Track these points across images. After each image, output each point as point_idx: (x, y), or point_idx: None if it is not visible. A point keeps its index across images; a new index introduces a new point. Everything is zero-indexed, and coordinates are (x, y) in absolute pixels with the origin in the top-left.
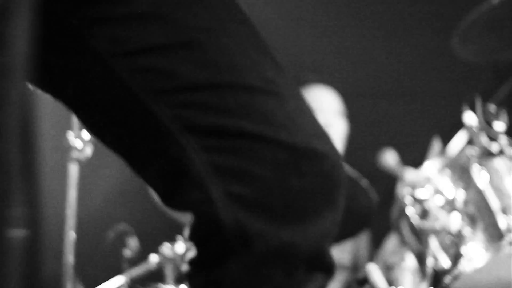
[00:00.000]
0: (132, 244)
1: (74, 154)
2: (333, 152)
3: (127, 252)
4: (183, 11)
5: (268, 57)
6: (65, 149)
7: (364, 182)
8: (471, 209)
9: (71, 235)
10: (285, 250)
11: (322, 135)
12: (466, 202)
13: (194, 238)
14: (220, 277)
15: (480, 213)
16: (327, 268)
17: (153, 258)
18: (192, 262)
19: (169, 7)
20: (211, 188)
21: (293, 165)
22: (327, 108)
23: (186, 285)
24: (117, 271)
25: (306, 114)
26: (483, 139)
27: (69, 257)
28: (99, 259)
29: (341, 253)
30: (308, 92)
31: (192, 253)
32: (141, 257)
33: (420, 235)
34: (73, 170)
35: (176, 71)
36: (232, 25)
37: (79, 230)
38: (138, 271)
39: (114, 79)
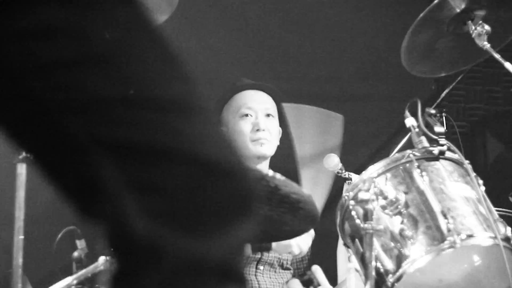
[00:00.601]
0: (81, 245)
1: (23, 155)
2: (243, 167)
3: (76, 254)
4: (94, 25)
5: (180, 72)
6: (14, 149)
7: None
8: (413, 211)
9: (20, 237)
10: (195, 262)
11: (231, 150)
12: (407, 204)
13: (111, 251)
14: None
15: (421, 215)
16: (240, 279)
17: (101, 260)
18: (112, 275)
19: (80, 21)
20: (124, 202)
21: (204, 180)
22: (260, 110)
23: None
24: (66, 272)
25: (216, 129)
26: (424, 142)
27: (19, 259)
28: (48, 261)
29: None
30: (242, 97)
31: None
32: (90, 258)
33: (363, 237)
34: (22, 171)
35: (87, 86)
36: (144, 40)
37: (28, 231)
38: (86, 272)
39: (28, 93)
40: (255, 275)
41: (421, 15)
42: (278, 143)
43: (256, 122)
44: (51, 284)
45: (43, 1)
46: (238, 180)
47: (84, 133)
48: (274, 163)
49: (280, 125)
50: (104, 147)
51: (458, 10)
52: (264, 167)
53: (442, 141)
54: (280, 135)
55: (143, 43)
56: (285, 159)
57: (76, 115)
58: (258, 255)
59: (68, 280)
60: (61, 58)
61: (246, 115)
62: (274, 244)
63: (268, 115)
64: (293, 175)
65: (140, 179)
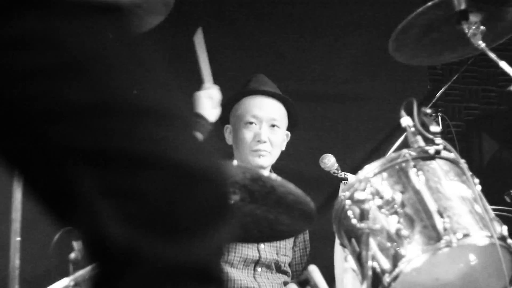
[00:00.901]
0: (77, 247)
1: None
2: (219, 171)
3: (73, 255)
4: (71, 35)
5: (154, 79)
6: None
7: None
8: (409, 210)
9: (17, 238)
10: (173, 266)
11: (209, 155)
12: (404, 204)
13: (89, 258)
14: None
15: (417, 214)
16: (217, 282)
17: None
18: (92, 280)
19: (57, 31)
20: (101, 207)
21: (180, 184)
22: (265, 120)
23: None
24: (63, 274)
25: (193, 135)
26: (420, 142)
27: (15, 260)
28: (45, 262)
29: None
30: (250, 102)
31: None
32: (87, 260)
33: (359, 237)
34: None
35: (63, 95)
36: (120, 49)
37: (25, 233)
38: (83, 273)
39: (4, 103)
40: (254, 276)
41: (418, 10)
42: (283, 149)
43: (258, 133)
44: (48, 286)
45: (20, 11)
46: (214, 184)
47: (60, 141)
48: (276, 163)
49: (292, 127)
50: (81, 155)
51: (456, 9)
52: None
53: (438, 140)
54: (288, 139)
55: (119, 51)
56: (286, 158)
57: (52, 124)
58: (257, 257)
59: (65, 281)
60: (37, 68)
61: (251, 123)
62: None
63: (273, 125)
64: (294, 175)
65: (117, 185)
